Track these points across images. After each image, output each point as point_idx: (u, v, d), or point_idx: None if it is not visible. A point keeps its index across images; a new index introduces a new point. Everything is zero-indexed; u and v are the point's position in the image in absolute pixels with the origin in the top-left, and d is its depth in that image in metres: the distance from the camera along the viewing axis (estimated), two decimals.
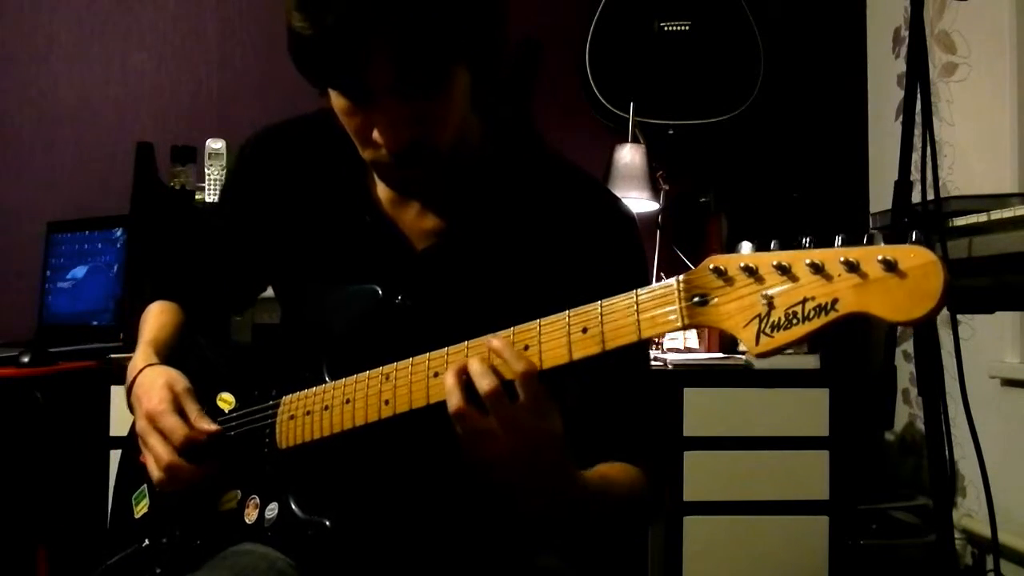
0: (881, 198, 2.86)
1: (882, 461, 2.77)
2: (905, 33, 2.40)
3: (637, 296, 0.79)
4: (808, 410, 2.33)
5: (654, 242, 2.81)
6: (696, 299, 0.76)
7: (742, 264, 0.73)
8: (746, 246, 0.76)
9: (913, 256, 0.65)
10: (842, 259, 0.67)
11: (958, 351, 1.63)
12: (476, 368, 0.84)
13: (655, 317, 0.78)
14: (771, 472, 2.31)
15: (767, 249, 0.73)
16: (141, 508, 1.17)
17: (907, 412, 2.73)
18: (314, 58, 0.92)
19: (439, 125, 0.97)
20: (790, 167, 2.94)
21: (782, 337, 0.71)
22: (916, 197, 1.47)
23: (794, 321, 0.70)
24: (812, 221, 2.81)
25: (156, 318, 1.23)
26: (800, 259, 0.70)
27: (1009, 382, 2.30)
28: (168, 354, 1.17)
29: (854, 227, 0.71)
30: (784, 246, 0.73)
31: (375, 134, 0.95)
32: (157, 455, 1.05)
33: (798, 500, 2.31)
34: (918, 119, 1.49)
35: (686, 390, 2.31)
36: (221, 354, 1.21)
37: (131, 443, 1.19)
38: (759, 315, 0.72)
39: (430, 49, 0.90)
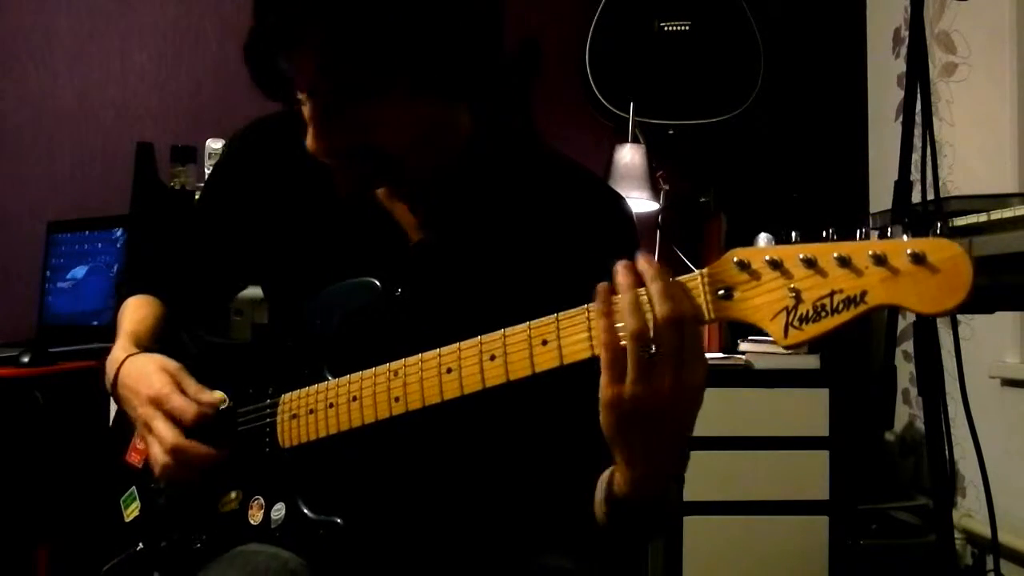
0: (881, 198, 2.85)
1: (882, 461, 2.77)
2: (905, 33, 2.40)
3: None
4: (808, 410, 2.33)
5: (654, 242, 2.81)
6: (721, 292, 0.76)
7: (767, 257, 0.73)
8: (764, 238, 0.75)
9: (942, 248, 0.67)
10: (870, 252, 0.68)
11: (958, 351, 1.63)
12: (656, 291, 0.78)
13: None
14: (771, 472, 2.31)
15: (788, 241, 0.74)
16: (131, 511, 1.15)
17: (907, 412, 2.73)
18: (253, 58, 0.94)
19: (381, 131, 0.95)
20: (790, 167, 2.94)
21: (812, 329, 0.71)
22: (916, 197, 1.47)
23: (823, 314, 0.70)
24: (812, 221, 2.80)
25: (134, 312, 1.20)
26: (827, 252, 0.70)
27: (1009, 382, 2.30)
28: (149, 346, 1.15)
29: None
30: (805, 239, 0.73)
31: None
32: (163, 438, 1.03)
33: (798, 500, 2.31)
34: (918, 119, 1.49)
35: None
36: (207, 351, 1.19)
37: (110, 445, 1.17)
38: (787, 308, 0.72)
39: (355, 58, 0.89)
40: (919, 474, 2.64)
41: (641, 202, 2.62)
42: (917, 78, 1.48)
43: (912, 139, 1.51)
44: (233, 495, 1.07)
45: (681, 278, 0.78)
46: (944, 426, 1.50)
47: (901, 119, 1.54)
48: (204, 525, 1.08)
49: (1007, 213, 1.32)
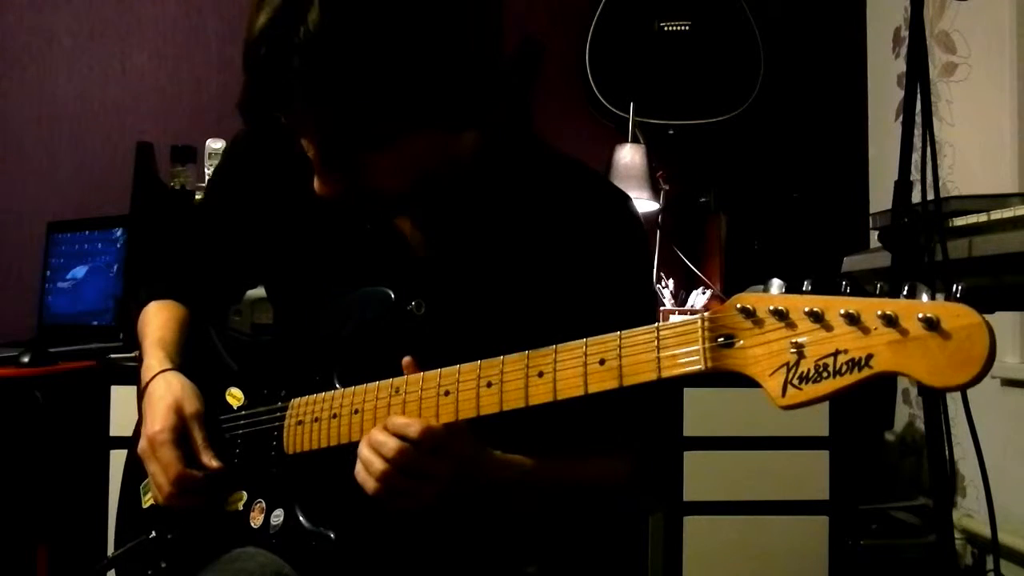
0: (881, 198, 2.85)
1: (882, 461, 2.77)
2: (905, 33, 2.40)
3: (659, 331, 0.76)
4: (808, 410, 2.31)
5: (654, 242, 2.81)
6: (721, 339, 0.72)
7: (772, 307, 0.69)
8: (776, 284, 0.70)
9: (958, 315, 0.61)
10: (880, 312, 0.63)
11: None
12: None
13: (676, 356, 0.75)
14: (771, 472, 2.31)
15: (799, 288, 0.69)
16: (148, 499, 1.16)
17: (907, 412, 2.73)
18: (248, 116, 0.94)
19: (384, 178, 0.94)
20: (790, 167, 2.94)
21: (811, 391, 0.66)
22: (916, 197, 1.47)
23: (824, 374, 0.66)
24: (812, 221, 2.81)
25: (157, 315, 1.21)
26: (834, 307, 0.66)
27: (1009, 382, 2.29)
28: (179, 352, 1.16)
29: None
30: (817, 287, 0.68)
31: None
32: (158, 483, 1.06)
33: (798, 500, 2.31)
34: (918, 119, 1.48)
35: (686, 390, 2.31)
36: (231, 346, 1.20)
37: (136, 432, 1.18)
38: (787, 364, 0.68)
39: (347, 117, 0.87)
40: (919, 474, 2.64)
41: (641, 202, 2.61)
42: (917, 78, 1.48)
43: (912, 139, 1.51)
44: (238, 495, 1.08)
45: (680, 320, 0.76)
46: (944, 426, 1.50)
47: (901, 119, 1.54)
48: (209, 522, 1.09)
49: (1007, 213, 1.32)
